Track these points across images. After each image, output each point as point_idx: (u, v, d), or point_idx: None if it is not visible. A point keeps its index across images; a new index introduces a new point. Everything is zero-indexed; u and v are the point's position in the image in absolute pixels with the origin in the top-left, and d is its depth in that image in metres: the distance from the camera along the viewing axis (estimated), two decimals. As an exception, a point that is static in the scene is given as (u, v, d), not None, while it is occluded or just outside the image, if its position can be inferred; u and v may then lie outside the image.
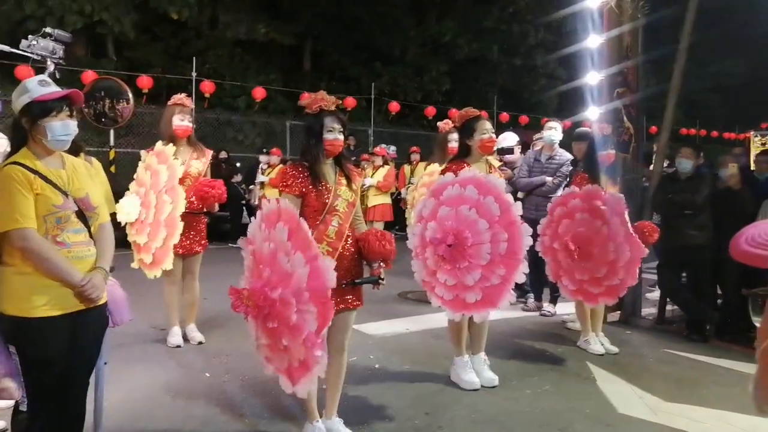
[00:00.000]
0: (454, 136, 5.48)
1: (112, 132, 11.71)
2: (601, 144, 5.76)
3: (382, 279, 3.62)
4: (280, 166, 11.45)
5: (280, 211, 3.17)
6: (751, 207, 6.06)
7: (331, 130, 3.51)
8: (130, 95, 11.34)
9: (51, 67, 4.32)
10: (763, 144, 16.64)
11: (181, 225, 4.91)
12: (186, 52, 16.55)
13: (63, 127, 2.79)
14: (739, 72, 31.93)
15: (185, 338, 5.42)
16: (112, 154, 11.77)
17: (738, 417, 4.20)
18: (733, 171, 6.13)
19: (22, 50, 4.27)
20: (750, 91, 32.79)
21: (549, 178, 6.75)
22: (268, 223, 3.22)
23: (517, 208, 4.23)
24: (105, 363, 3.33)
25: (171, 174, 4.97)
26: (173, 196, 4.91)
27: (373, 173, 9.93)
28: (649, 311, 7.10)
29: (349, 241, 3.59)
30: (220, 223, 11.60)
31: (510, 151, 7.96)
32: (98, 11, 15.02)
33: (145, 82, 12.90)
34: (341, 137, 3.56)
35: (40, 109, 2.76)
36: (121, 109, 11.29)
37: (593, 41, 6.75)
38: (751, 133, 18.22)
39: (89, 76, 11.60)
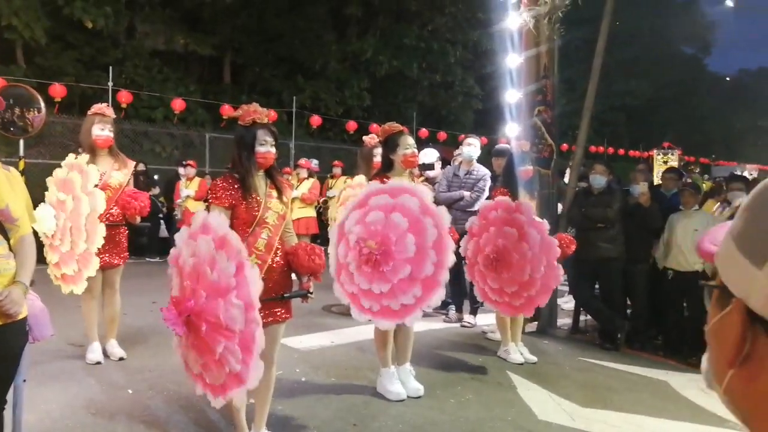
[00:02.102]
0: (380, 150, 5.56)
1: (21, 142, 11.22)
2: (519, 160, 5.97)
3: (311, 293, 3.64)
4: (198, 178, 11.29)
5: (205, 225, 3.17)
6: (659, 222, 6.40)
7: (263, 143, 3.52)
8: (42, 104, 10.91)
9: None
10: (665, 162, 17.53)
11: (102, 227, 4.79)
12: (101, 62, 16.08)
13: None
14: (643, 92, 33.60)
15: (105, 354, 5.25)
16: (21, 165, 11.27)
17: (649, 420, 4.46)
18: (644, 189, 6.47)
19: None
20: (653, 111, 34.60)
21: (467, 193, 6.93)
22: (193, 237, 3.20)
23: (450, 244, 4.32)
24: (24, 380, 3.20)
25: (85, 179, 4.85)
26: (91, 199, 4.79)
27: (298, 186, 9.91)
28: (564, 321, 7.39)
29: (279, 253, 3.60)
30: (137, 236, 11.30)
31: (431, 167, 8.14)
32: (6, 16, 14.40)
33: (58, 90, 12.43)
34: (273, 150, 3.57)
35: None
36: (31, 118, 10.81)
37: (512, 61, 7.00)
38: (654, 151, 19.17)
39: (-3, 83, 11.11)
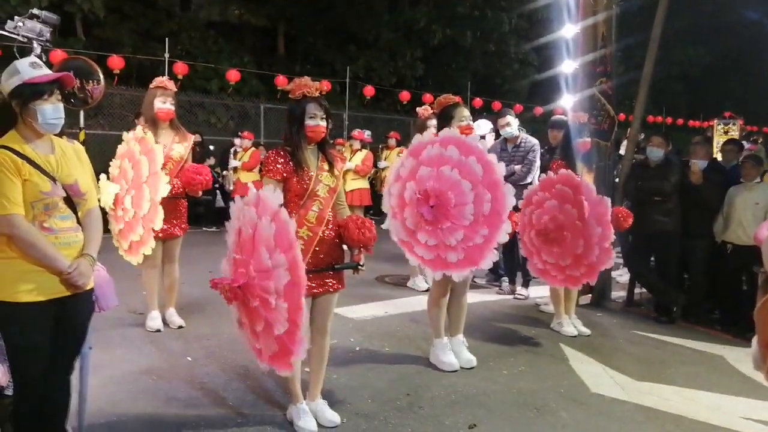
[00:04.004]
0: (433, 122, 5.54)
1: (81, 113, 11.49)
2: (576, 132, 5.86)
3: (362, 265, 3.69)
4: (253, 149, 11.40)
5: (260, 201, 3.24)
6: (716, 200, 6.26)
7: (312, 117, 3.55)
8: (101, 75, 11.12)
9: (38, 50, 4.23)
10: (726, 132, 16.99)
11: (161, 212, 4.92)
12: (157, 33, 16.27)
13: (54, 111, 2.78)
14: (702, 61, 32.43)
15: (164, 322, 5.42)
16: (82, 136, 11.56)
17: (703, 395, 4.43)
18: (695, 169, 6.29)
19: (8, 31, 4.17)
20: (713, 80, 33.35)
21: (517, 167, 6.82)
22: (256, 207, 3.27)
23: (500, 168, 4.29)
24: (90, 348, 3.33)
25: (151, 160, 4.97)
26: (153, 185, 4.92)
27: (351, 157, 9.92)
28: (618, 294, 7.31)
29: (330, 225, 3.64)
30: (194, 207, 11.53)
31: (482, 138, 8.05)
32: (66, -12, 14.66)
33: (116, 62, 12.63)
34: (323, 123, 3.59)
35: (32, 91, 2.72)
36: (91, 90, 11.02)
37: (568, 30, 6.85)
38: (715, 121, 18.59)
39: (58, 55, 11.33)
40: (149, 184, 4.93)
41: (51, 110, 2.77)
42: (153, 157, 4.96)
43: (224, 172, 11.67)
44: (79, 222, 2.88)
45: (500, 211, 4.26)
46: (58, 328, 2.82)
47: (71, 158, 2.90)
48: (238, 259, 3.30)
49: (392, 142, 11.96)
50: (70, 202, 2.84)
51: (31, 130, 2.77)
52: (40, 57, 4.08)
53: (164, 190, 4.92)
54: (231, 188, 11.45)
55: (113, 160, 5.30)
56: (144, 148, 5.03)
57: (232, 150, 11.69)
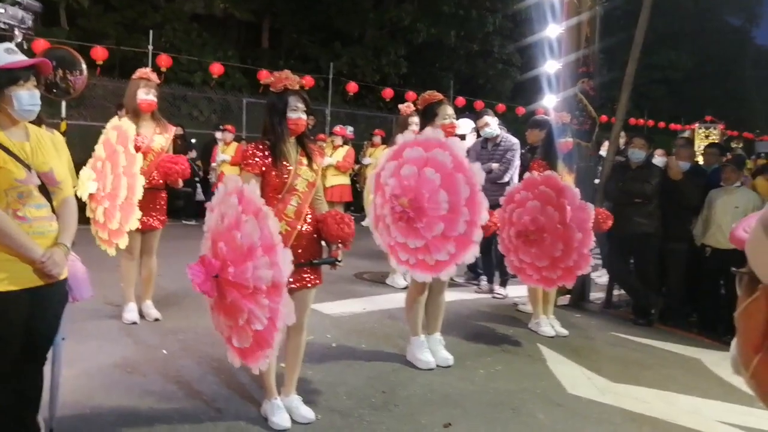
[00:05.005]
0: (415, 119, 5.53)
1: (63, 103, 11.37)
2: (558, 132, 5.87)
3: (340, 260, 3.67)
4: (235, 143, 11.34)
5: (242, 193, 3.21)
6: (695, 198, 6.28)
7: (294, 109, 3.53)
8: (84, 66, 11.00)
9: (19, 37, 4.17)
10: (707, 136, 17.12)
11: (137, 210, 4.88)
12: (141, 25, 16.21)
13: (30, 97, 2.74)
14: (685, 65, 32.76)
15: (141, 315, 5.37)
16: (63, 126, 11.43)
17: (680, 397, 4.43)
18: (671, 163, 6.31)
19: (-11, 18, 4.11)
20: (695, 84, 33.68)
21: (495, 165, 6.83)
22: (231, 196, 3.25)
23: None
24: (63, 339, 3.28)
25: (129, 159, 4.91)
26: (131, 181, 4.87)
27: (332, 153, 9.89)
28: (597, 295, 7.34)
29: (309, 220, 3.62)
30: (174, 199, 11.42)
31: (462, 137, 8.05)
32: (51, -23, 14.52)
33: (99, 53, 12.53)
34: (304, 116, 3.58)
35: (7, 77, 2.68)
36: (73, 80, 10.90)
37: (552, 30, 6.87)
38: (696, 125, 18.73)
39: (40, 45, 11.21)
40: (127, 177, 4.86)
41: (27, 96, 2.73)
42: (131, 158, 4.89)
43: (213, 164, 11.57)
44: (54, 211, 2.84)
45: (471, 236, 4.22)
46: (31, 317, 2.77)
47: (47, 146, 2.85)
48: (220, 248, 3.26)
49: (377, 139, 11.93)
50: (45, 190, 2.79)
51: (6, 116, 2.73)
52: (21, 45, 4.02)
53: (139, 192, 4.86)
54: (214, 181, 11.36)
55: (95, 150, 5.23)
56: (121, 140, 4.96)
57: (219, 143, 11.61)
